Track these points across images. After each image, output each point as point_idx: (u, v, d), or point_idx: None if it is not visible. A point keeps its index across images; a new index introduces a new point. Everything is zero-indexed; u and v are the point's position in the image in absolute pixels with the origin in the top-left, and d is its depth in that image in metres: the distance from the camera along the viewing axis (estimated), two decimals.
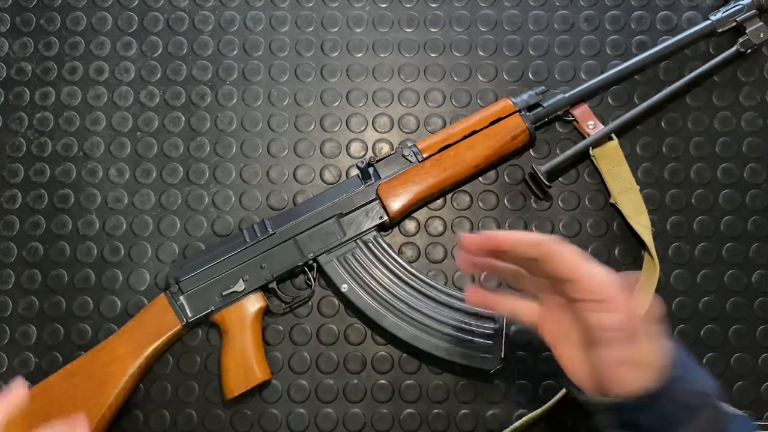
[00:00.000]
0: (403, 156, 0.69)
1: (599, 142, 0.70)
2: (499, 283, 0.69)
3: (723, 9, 0.72)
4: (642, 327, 0.47)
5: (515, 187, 0.72)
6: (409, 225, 0.72)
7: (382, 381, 0.69)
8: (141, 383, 0.68)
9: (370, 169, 0.68)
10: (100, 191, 0.73)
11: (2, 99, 0.75)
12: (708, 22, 0.72)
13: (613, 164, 0.70)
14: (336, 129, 0.74)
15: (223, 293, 0.66)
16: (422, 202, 0.70)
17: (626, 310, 0.47)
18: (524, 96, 0.70)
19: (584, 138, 0.71)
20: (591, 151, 0.70)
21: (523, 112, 0.69)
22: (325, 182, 0.73)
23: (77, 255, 0.71)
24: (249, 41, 0.76)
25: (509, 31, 0.76)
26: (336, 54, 0.76)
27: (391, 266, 0.67)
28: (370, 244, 0.68)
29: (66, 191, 0.73)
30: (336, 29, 0.76)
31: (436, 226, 0.72)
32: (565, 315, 0.50)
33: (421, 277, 0.67)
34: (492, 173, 0.72)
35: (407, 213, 0.70)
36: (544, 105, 0.70)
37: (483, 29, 0.76)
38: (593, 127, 0.71)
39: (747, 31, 0.72)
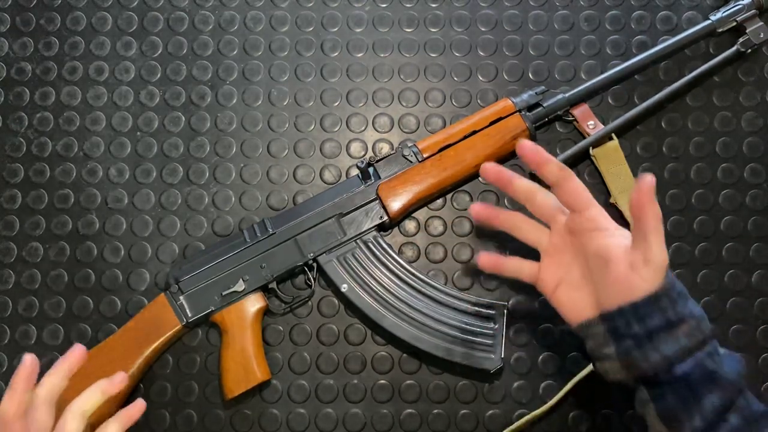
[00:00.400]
0: (403, 156, 0.69)
1: (599, 142, 0.70)
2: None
3: (723, 9, 0.72)
4: (649, 225, 0.50)
5: None
6: (409, 225, 0.72)
7: (382, 381, 0.69)
8: (141, 383, 0.68)
9: (370, 169, 0.68)
10: (100, 191, 0.73)
11: (2, 99, 0.75)
12: (708, 22, 0.72)
13: (613, 164, 0.70)
14: (336, 129, 0.74)
15: (223, 293, 0.66)
16: (422, 202, 0.70)
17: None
18: (524, 96, 0.70)
19: (584, 138, 0.71)
20: (591, 151, 0.70)
21: (523, 112, 0.69)
22: (325, 182, 0.73)
23: (77, 255, 0.71)
24: (249, 41, 0.76)
25: (509, 31, 0.76)
26: (336, 54, 0.76)
27: (391, 266, 0.67)
28: (370, 244, 0.68)
29: (66, 191, 0.73)
30: (336, 29, 0.76)
31: (436, 226, 0.72)
32: (566, 253, 0.57)
33: (421, 277, 0.67)
34: None
35: (407, 213, 0.70)
36: (544, 105, 0.70)
37: (483, 29, 0.76)
38: (593, 127, 0.71)
39: (747, 31, 0.72)
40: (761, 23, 0.72)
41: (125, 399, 0.65)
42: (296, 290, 0.70)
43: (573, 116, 0.71)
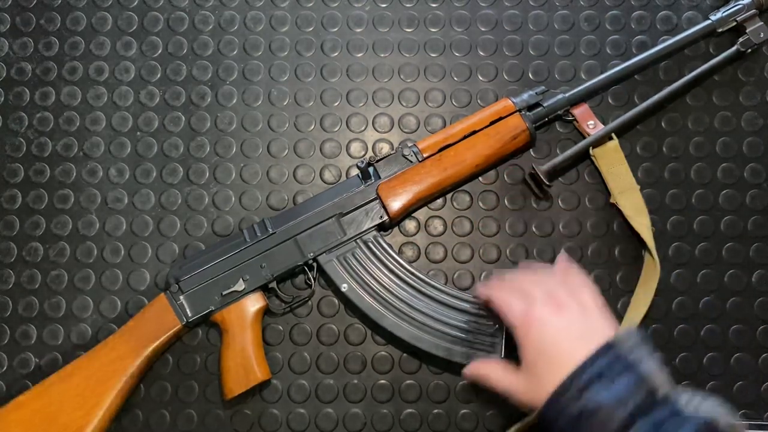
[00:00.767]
0: (403, 156, 0.69)
1: (599, 141, 0.70)
2: None
3: (723, 9, 0.72)
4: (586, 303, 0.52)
5: (515, 186, 0.72)
6: (409, 225, 0.72)
7: (382, 381, 0.69)
8: (141, 383, 0.68)
9: (370, 169, 0.68)
10: (100, 191, 0.73)
11: (2, 99, 0.75)
12: (708, 22, 0.72)
13: (614, 164, 0.70)
14: (336, 129, 0.74)
15: (223, 293, 0.66)
16: (422, 201, 0.70)
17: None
18: (524, 96, 0.70)
19: (584, 138, 0.71)
20: (591, 151, 0.70)
21: (523, 112, 0.69)
22: (325, 182, 0.73)
23: (77, 255, 0.71)
24: (249, 41, 0.76)
25: (509, 31, 0.76)
26: (336, 54, 0.76)
27: (391, 266, 0.67)
28: (370, 244, 0.68)
29: (66, 191, 0.73)
30: (336, 29, 0.76)
31: (436, 225, 0.72)
32: None
33: (421, 276, 0.67)
34: (492, 173, 0.72)
35: (407, 213, 0.70)
36: (544, 105, 0.70)
37: (483, 29, 0.76)
38: (593, 126, 0.71)
39: (747, 30, 0.72)
40: (761, 23, 0.72)
41: (125, 399, 0.65)
42: (296, 290, 0.70)
43: (573, 116, 0.71)
